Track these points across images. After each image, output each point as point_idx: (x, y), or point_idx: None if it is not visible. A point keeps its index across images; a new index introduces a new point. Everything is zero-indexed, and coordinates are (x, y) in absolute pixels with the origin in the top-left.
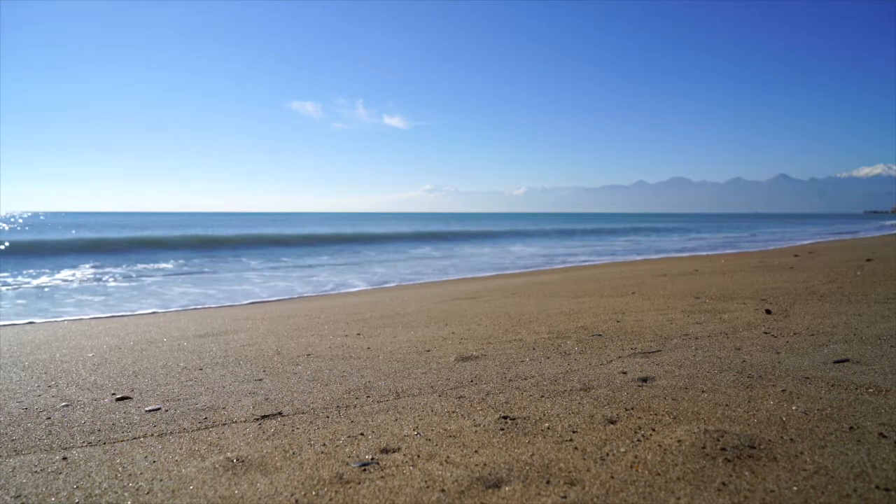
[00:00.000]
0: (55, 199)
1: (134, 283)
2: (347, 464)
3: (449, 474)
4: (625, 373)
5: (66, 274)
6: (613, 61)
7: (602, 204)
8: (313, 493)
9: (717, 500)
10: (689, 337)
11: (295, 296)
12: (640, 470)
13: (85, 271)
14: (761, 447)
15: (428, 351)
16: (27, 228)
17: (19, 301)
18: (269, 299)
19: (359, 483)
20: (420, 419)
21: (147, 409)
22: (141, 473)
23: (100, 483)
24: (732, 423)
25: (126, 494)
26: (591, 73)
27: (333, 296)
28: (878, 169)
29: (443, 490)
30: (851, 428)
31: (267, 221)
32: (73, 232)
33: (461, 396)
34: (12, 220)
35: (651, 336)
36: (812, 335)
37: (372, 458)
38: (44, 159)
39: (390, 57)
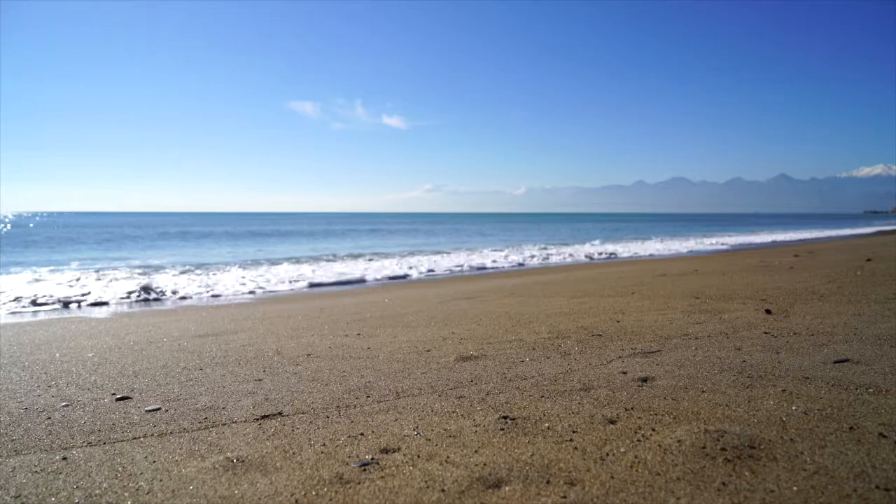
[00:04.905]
0: (55, 199)
1: None
2: (347, 464)
3: (449, 474)
4: (625, 373)
5: None
6: (613, 61)
7: (602, 204)
8: (313, 493)
9: (717, 500)
10: (689, 337)
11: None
12: (640, 470)
13: None
14: (761, 447)
15: (428, 351)
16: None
17: None
18: (269, 300)
19: (359, 483)
20: (420, 419)
21: (147, 409)
22: (141, 473)
23: (100, 483)
24: (732, 423)
25: (126, 494)
26: (591, 73)
27: (333, 295)
28: (878, 169)
29: (443, 490)
30: (851, 428)
31: (282, 221)
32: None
33: (461, 396)
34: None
35: (651, 336)
36: (812, 335)
37: (372, 458)
38: (43, 159)
39: (388, 57)
